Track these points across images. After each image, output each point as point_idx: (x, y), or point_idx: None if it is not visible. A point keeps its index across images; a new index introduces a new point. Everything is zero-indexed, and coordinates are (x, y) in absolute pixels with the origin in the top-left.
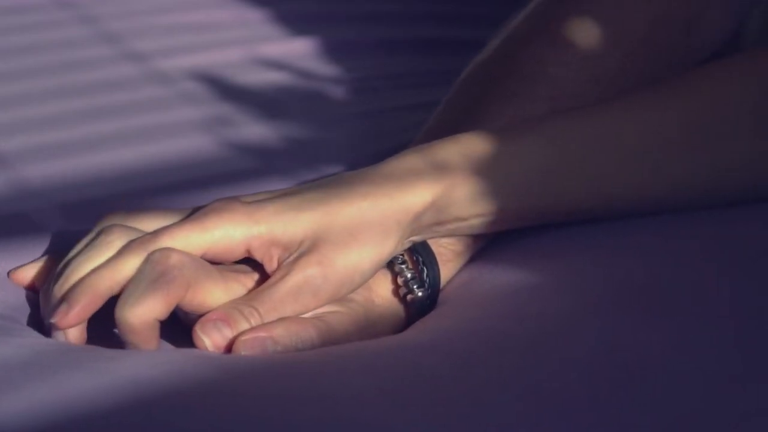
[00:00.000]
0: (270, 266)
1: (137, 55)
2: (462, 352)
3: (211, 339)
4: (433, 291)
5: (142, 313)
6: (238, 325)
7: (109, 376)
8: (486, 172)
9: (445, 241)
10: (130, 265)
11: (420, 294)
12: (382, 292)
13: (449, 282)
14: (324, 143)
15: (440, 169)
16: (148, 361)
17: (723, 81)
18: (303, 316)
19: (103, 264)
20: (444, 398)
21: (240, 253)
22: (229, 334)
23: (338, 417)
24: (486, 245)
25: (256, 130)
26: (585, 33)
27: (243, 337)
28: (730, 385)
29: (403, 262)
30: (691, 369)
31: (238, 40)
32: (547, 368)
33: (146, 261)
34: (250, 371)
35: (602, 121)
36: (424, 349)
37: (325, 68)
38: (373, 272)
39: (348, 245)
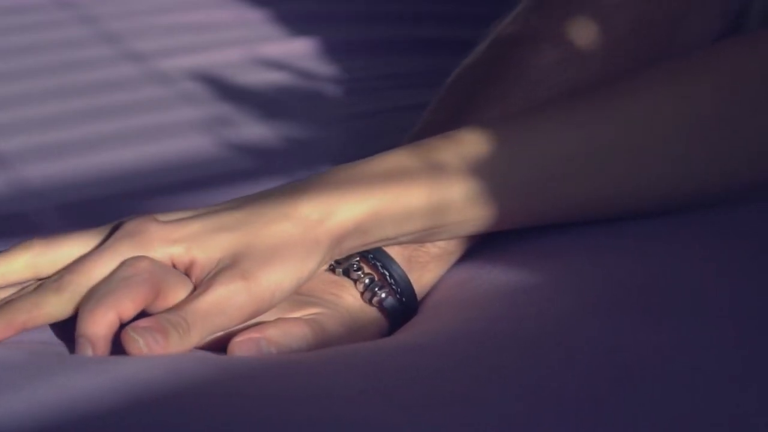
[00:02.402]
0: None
1: (137, 55)
2: (460, 352)
3: (144, 340)
4: (405, 290)
5: (106, 308)
6: (168, 332)
7: (108, 376)
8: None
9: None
10: (48, 303)
11: (383, 295)
12: (360, 299)
13: (438, 283)
14: (324, 143)
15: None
16: (146, 362)
17: (747, 57)
18: (292, 317)
19: (24, 297)
20: (442, 399)
21: None
22: (160, 339)
23: (336, 417)
24: (474, 245)
25: (256, 130)
26: (569, 35)
27: (236, 339)
28: (730, 385)
29: (359, 269)
30: (691, 369)
31: (238, 40)
32: (546, 368)
33: (119, 265)
34: (249, 371)
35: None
36: (422, 350)
37: (325, 68)
38: (293, 290)
39: (271, 262)
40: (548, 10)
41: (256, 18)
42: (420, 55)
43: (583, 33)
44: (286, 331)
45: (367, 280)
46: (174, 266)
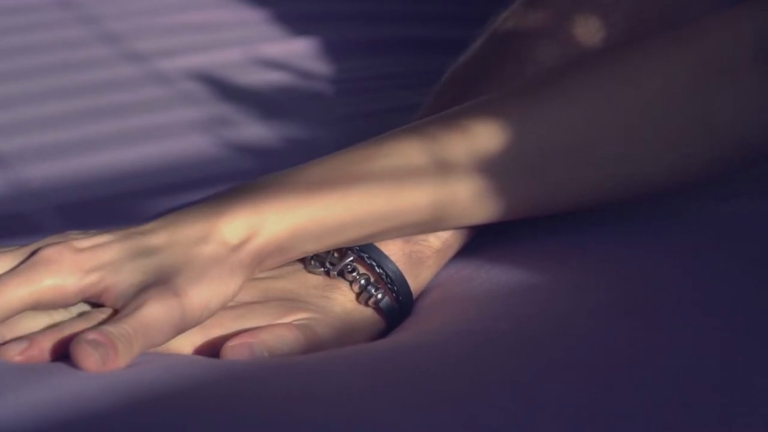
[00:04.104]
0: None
1: (137, 55)
2: (460, 352)
3: (99, 354)
4: (401, 289)
5: (53, 337)
6: (116, 346)
7: (107, 377)
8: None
9: (418, 237)
10: None
11: (380, 296)
12: (354, 300)
13: (438, 282)
14: (324, 143)
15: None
16: (145, 363)
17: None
18: (284, 322)
19: None
20: (442, 398)
21: (74, 301)
22: (111, 353)
23: (336, 417)
24: (471, 240)
25: (255, 130)
26: (566, 31)
27: (229, 343)
28: (725, 385)
29: (353, 270)
30: (687, 370)
31: (238, 40)
32: (545, 369)
33: (87, 311)
34: (248, 373)
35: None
36: (422, 349)
37: (325, 68)
38: (219, 309)
39: (200, 281)
40: (546, 6)
41: (256, 18)
42: (420, 55)
43: (581, 29)
44: (279, 336)
45: (362, 281)
46: (85, 295)
